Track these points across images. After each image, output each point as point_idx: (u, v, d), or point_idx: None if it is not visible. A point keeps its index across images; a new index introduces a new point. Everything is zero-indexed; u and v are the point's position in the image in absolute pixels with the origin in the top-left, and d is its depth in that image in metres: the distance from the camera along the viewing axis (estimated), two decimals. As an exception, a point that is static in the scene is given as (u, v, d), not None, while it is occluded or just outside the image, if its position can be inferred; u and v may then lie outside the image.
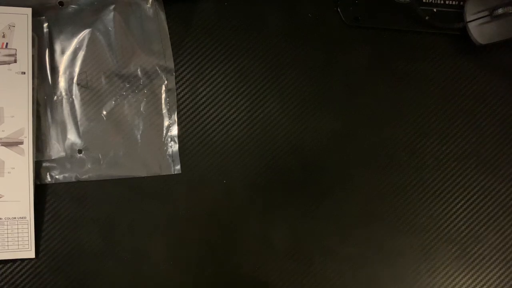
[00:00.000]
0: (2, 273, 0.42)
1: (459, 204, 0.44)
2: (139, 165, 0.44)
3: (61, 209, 0.44)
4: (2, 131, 0.41)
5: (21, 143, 0.41)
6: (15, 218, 0.41)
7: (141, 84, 0.44)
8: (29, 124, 0.41)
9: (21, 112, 0.41)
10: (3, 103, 0.41)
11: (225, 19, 0.45)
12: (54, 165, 0.44)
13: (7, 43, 0.41)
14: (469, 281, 0.43)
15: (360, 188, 0.44)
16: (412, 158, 0.44)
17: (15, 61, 0.41)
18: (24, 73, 0.41)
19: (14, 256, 0.41)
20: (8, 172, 0.41)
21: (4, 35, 0.41)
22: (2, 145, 0.41)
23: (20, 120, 0.41)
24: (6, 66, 0.41)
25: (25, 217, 0.41)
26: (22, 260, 0.42)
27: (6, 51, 0.41)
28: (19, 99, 0.41)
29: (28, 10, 0.41)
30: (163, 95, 0.44)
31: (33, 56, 0.42)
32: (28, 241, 0.41)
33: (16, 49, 0.41)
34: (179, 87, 0.44)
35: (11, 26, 0.41)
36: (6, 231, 0.41)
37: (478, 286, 0.43)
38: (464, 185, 0.44)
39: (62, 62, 0.44)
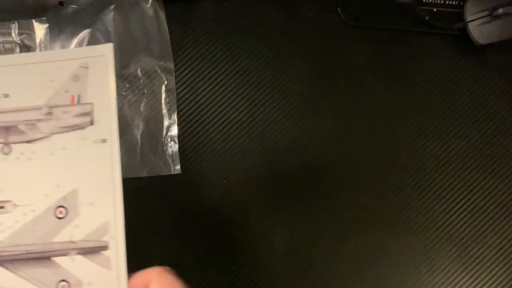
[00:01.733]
0: None
1: (459, 204, 0.44)
2: (139, 165, 0.44)
3: (61, 209, 0.44)
4: (76, 227, 0.26)
5: (105, 248, 0.26)
6: None
7: (141, 84, 0.44)
8: (117, 217, 0.26)
9: (104, 199, 0.26)
10: (78, 183, 0.27)
11: (225, 19, 0.45)
12: (54, 165, 0.44)
13: (79, 96, 0.28)
14: (469, 281, 0.43)
15: (360, 188, 0.44)
16: (412, 158, 0.44)
17: (91, 123, 0.27)
18: (105, 140, 0.27)
19: None
20: None
21: (74, 82, 0.28)
22: (78, 254, 0.26)
23: (102, 210, 0.26)
24: (79, 132, 0.27)
25: None
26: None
27: (79, 109, 0.27)
28: (100, 179, 0.27)
29: (108, 47, 0.29)
30: (163, 95, 0.44)
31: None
32: None
33: (92, 104, 0.27)
34: (179, 87, 0.44)
35: (82, 68, 0.28)
36: None
37: (478, 286, 0.43)
38: (464, 185, 0.44)
39: (62, 62, 0.44)
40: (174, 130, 0.44)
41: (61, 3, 0.44)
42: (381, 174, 0.44)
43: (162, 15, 0.44)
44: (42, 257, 0.26)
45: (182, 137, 0.44)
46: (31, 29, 0.44)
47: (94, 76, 0.28)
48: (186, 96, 0.44)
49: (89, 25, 0.44)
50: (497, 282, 0.43)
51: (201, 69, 0.45)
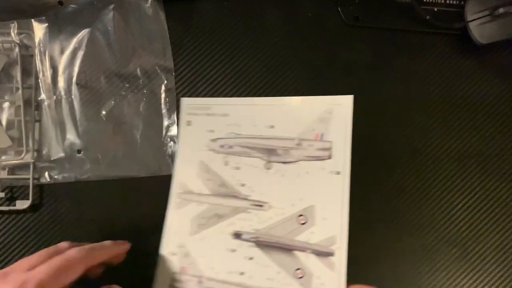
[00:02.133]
0: None
1: (460, 204, 0.44)
2: (139, 165, 0.44)
3: (61, 209, 0.44)
4: (312, 233, 0.36)
5: (332, 254, 0.35)
6: None
7: (140, 84, 0.44)
8: (342, 233, 0.35)
9: (334, 217, 0.35)
10: (315, 201, 0.36)
11: (225, 19, 0.45)
12: (54, 165, 0.44)
13: (322, 135, 0.37)
14: (470, 282, 0.43)
15: (361, 188, 0.44)
16: (412, 158, 0.44)
17: (329, 157, 0.36)
18: (339, 173, 0.36)
19: None
20: None
21: (320, 123, 0.37)
22: (312, 253, 0.36)
23: (332, 226, 0.35)
24: (320, 162, 0.36)
25: None
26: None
27: (321, 144, 0.36)
28: (332, 202, 0.36)
29: (349, 98, 0.37)
30: (163, 95, 0.44)
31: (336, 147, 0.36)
32: None
33: (332, 142, 0.36)
34: (179, 87, 0.44)
35: (327, 113, 0.37)
36: None
37: (479, 287, 0.43)
38: (464, 185, 0.44)
39: (62, 62, 0.44)
40: (174, 130, 0.44)
41: (60, 3, 0.44)
42: (381, 174, 0.44)
43: (162, 15, 0.44)
44: (287, 249, 0.36)
45: (181, 137, 0.44)
46: (30, 29, 0.44)
47: (335, 120, 0.36)
48: (186, 96, 0.44)
49: (89, 24, 0.44)
50: (497, 283, 0.43)
51: (201, 69, 0.45)
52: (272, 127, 0.38)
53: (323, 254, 0.35)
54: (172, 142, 0.44)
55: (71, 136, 0.44)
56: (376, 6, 0.44)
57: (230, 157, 0.39)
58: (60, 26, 0.44)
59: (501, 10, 0.41)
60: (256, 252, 0.37)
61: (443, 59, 0.44)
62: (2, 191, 0.43)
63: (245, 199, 0.38)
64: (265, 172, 0.38)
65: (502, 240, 0.44)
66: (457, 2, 0.44)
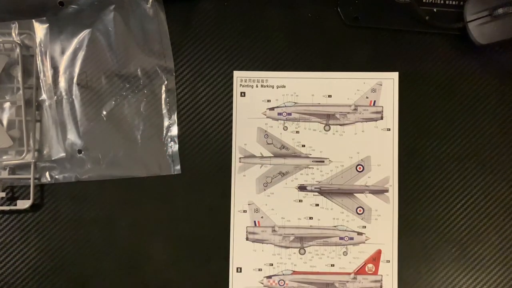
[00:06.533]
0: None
1: (459, 204, 0.44)
2: (139, 165, 0.44)
3: (61, 209, 0.44)
4: (369, 177, 0.44)
5: (386, 191, 0.43)
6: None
7: (141, 84, 0.44)
8: (394, 174, 0.43)
9: (387, 163, 0.44)
10: (370, 152, 0.43)
11: (225, 19, 0.45)
12: (54, 165, 0.44)
13: (374, 101, 0.44)
14: (469, 281, 0.43)
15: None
16: (412, 158, 0.44)
17: (381, 118, 0.44)
18: (389, 129, 0.44)
19: None
20: (375, 219, 0.43)
21: (372, 93, 0.44)
22: (369, 193, 0.44)
23: (385, 170, 0.44)
24: (373, 123, 0.44)
25: (389, 261, 0.43)
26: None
27: (374, 109, 0.44)
28: (384, 151, 0.44)
29: (395, 74, 0.44)
30: (163, 95, 0.44)
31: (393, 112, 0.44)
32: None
33: (382, 107, 0.44)
34: (179, 87, 0.44)
35: (378, 85, 0.44)
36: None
37: (478, 286, 0.43)
38: (464, 185, 0.44)
39: (62, 62, 0.44)
40: (174, 130, 0.44)
41: (61, 3, 0.44)
42: (381, 174, 0.44)
43: (162, 15, 0.44)
44: (347, 193, 0.44)
45: (182, 137, 0.44)
46: (31, 29, 0.44)
47: (385, 90, 0.44)
48: (186, 96, 0.44)
49: (89, 25, 0.44)
50: (497, 282, 0.43)
51: (201, 69, 0.45)
52: (329, 96, 0.44)
53: (379, 191, 0.43)
54: (172, 142, 0.44)
55: (72, 136, 0.44)
56: (375, 6, 0.44)
57: (288, 123, 0.44)
58: (61, 27, 0.44)
59: (500, 11, 0.41)
60: (321, 199, 0.43)
61: (442, 59, 0.44)
62: (3, 190, 0.44)
63: (307, 157, 0.44)
64: (323, 133, 0.44)
65: (502, 240, 0.44)
66: (457, 2, 0.44)
